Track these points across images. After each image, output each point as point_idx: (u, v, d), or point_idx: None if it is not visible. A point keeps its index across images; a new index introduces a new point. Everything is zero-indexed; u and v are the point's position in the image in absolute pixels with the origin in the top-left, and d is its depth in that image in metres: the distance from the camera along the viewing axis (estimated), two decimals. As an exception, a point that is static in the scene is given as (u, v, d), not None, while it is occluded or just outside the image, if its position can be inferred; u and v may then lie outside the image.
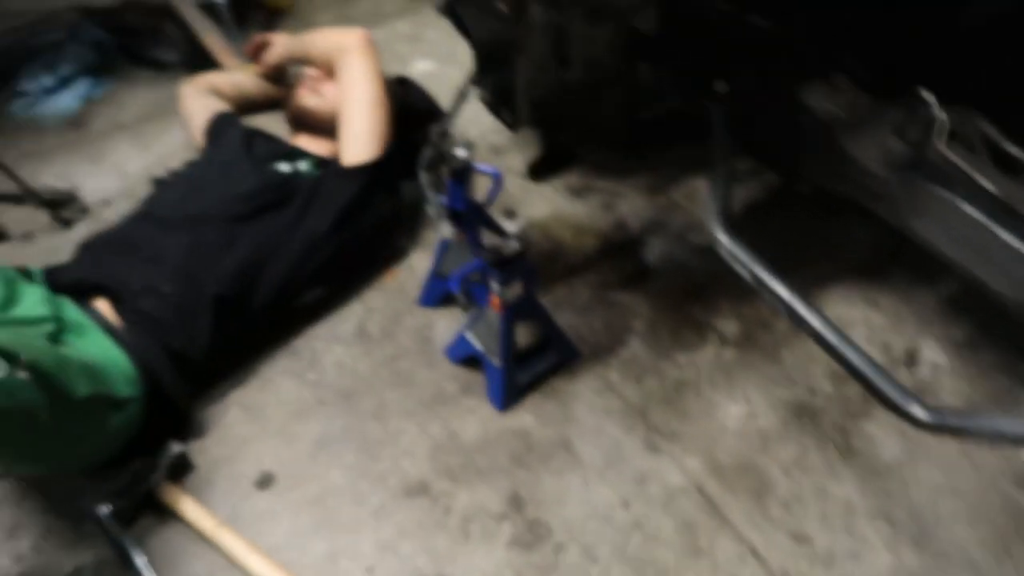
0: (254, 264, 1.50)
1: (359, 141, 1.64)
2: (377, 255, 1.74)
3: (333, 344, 1.61)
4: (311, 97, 1.77)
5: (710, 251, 1.36)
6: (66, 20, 2.33)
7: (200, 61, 2.13)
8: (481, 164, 1.42)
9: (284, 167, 1.66)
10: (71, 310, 1.36)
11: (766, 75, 1.28)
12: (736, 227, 1.34)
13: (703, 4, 1.12)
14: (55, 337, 1.26)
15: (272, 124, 2.02)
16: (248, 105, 2.06)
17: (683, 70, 1.29)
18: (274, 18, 2.44)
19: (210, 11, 2.07)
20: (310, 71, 1.81)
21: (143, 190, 1.88)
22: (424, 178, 1.43)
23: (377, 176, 1.64)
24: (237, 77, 2.03)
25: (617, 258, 1.78)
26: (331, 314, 1.66)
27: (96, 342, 1.32)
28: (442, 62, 2.30)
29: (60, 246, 1.78)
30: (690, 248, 1.80)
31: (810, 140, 1.32)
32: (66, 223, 1.83)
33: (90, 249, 1.50)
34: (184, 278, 1.43)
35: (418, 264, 1.76)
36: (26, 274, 1.45)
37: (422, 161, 1.42)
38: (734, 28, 1.16)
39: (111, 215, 1.85)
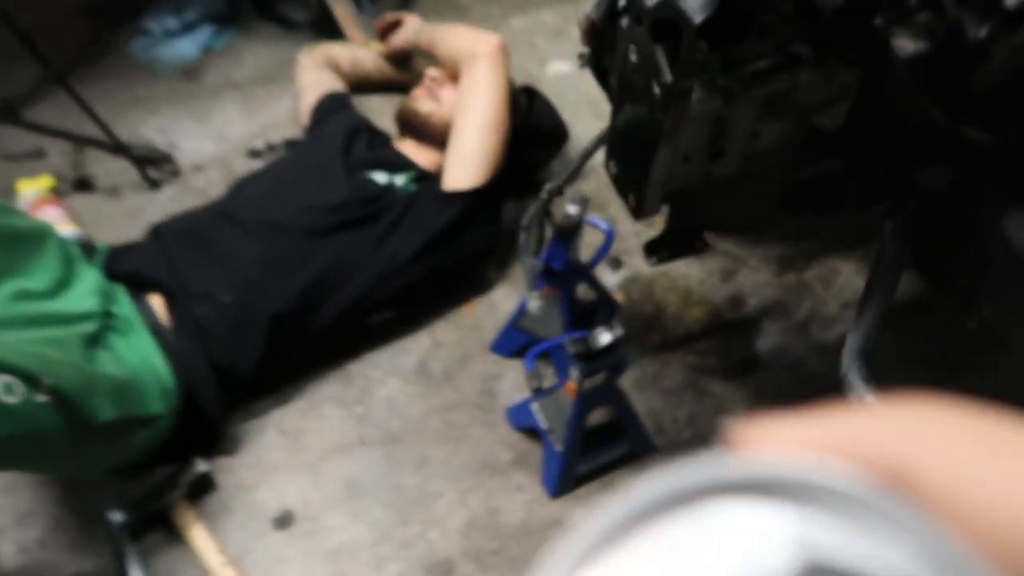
0: (324, 284, 1.37)
1: (466, 165, 1.47)
2: (459, 285, 1.58)
3: (390, 377, 1.47)
4: (427, 101, 1.61)
5: (835, 352, 1.12)
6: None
7: (327, 26, 2.00)
8: (593, 217, 1.24)
9: (380, 177, 1.51)
10: (124, 303, 1.28)
11: (965, 192, 1.01)
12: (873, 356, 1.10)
13: (909, 106, 0.87)
14: (95, 339, 1.17)
15: (385, 108, 1.88)
16: (364, 84, 1.93)
17: (862, 174, 1.05)
18: (414, -8, 2.28)
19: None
20: (432, 70, 1.64)
21: (239, 161, 1.80)
22: (523, 237, 1.24)
23: (478, 205, 1.47)
24: (359, 53, 1.90)
25: (724, 339, 1.55)
26: (394, 341, 1.51)
27: (139, 345, 1.23)
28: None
29: (143, 206, 1.72)
30: (811, 345, 1.55)
31: (1002, 276, 1.05)
32: (154, 184, 1.76)
33: (159, 237, 1.40)
34: (246, 290, 1.32)
35: (501, 301, 1.58)
36: (88, 251, 1.37)
37: (525, 218, 1.24)
38: (939, 136, 0.91)
39: (201, 182, 1.78)
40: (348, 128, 1.63)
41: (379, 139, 1.66)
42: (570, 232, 1.22)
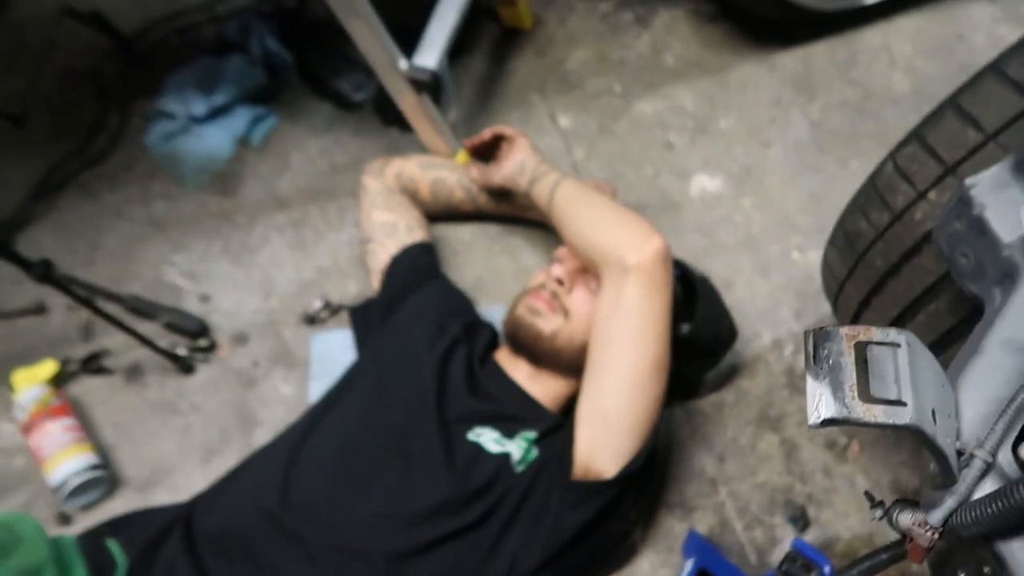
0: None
1: (609, 441, 1.02)
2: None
3: None
4: (551, 318, 1.15)
5: None
6: (236, 11, 1.74)
7: (391, 108, 1.51)
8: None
9: (490, 443, 1.07)
10: None
11: None
12: None
13: None
14: None
15: (476, 243, 1.43)
16: (450, 214, 1.46)
17: None
18: (507, 39, 1.75)
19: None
20: (557, 269, 1.17)
21: (291, 328, 1.38)
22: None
23: (624, 492, 1.04)
24: (443, 172, 1.42)
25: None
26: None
27: None
28: (737, 181, 1.56)
29: (171, 399, 1.33)
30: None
31: None
32: (187, 368, 1.35)
33: (191, 545, 1.00)
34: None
35: (649, 573, 1.18)
36: (104, 568, 0.98)
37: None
38: None
39: (244, 362, 1.36)
40: (437, 332, 1.19)
41: (481, 350, 1.21)
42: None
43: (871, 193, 0.95)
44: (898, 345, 0.52)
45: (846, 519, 1.22)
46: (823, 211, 1.49)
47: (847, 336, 0.53)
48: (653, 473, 1.17)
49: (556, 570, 1.04)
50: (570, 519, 1.01)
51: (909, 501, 0.69)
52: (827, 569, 0.96)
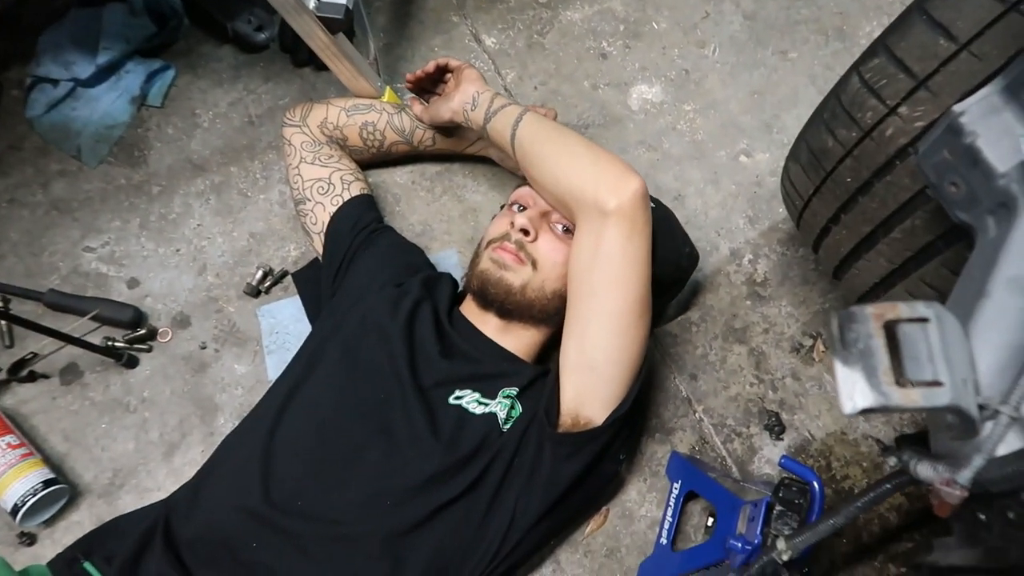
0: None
1: (596, 391, 1.00)
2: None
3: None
4: (519, 270, 1.09)
5: None
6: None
7: (303, 48, 1.37)
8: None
9: (474, 406, 1.03)
10: None
11: None
12: None
13: None
14: None
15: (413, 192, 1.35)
16: (383, 157, 1.37)
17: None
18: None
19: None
20: (522, 220, 1.10)
21: (235, 304, 1.29)
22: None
23: (617, 435, 1.03)
24: (371, 116, 1.32)
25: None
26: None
27: None
28: (676, 87, 1.49)
29: (119, 397, 1.25)
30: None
31: None
32: (129, 362, 1.26)
33: (176, 557, 0.95)
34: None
35: (639, 505, 1.20)
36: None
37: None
38: None
39: (190, 346, 1.28)
40: (397, 293, 1.13)
41: (446, 306, 1.15)
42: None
43: (836, 109, 0.91)
44: (927, 320, 0.50)
45: (818, 419, 1.26)
46: (767, 109, 1.46)
47: (875, 316, 0.50)
48: (640, 410, 1.17)
49: (553, 519, 1.04)
50: (565, 471, 1.00)
51: (914, 439, 0.69)
52: (816, 484, 0.98)
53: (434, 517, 0.97)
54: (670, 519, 1.15)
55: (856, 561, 1.16)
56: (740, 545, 0.97)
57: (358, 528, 0.94)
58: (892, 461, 0.64)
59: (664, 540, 1.14)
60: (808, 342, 1.31)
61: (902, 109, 0.83)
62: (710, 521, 1.14)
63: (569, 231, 1.10)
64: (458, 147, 1.34)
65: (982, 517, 0.60)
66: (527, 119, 1.10)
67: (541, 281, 1.09)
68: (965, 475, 0.55)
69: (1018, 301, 0.59)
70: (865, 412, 0.48)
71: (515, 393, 1.06)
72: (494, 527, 1.00)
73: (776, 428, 1.24)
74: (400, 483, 0.97)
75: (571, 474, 1.00)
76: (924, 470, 0.59)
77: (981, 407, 0.56)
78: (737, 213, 1.39)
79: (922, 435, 0.71)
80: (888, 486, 0.74)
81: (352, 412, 1.03)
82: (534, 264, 1.09)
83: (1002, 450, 0.55)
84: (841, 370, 0.49)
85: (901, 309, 0.50)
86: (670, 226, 1.18)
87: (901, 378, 0.48)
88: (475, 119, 1.17)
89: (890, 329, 0.50)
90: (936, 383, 0.48)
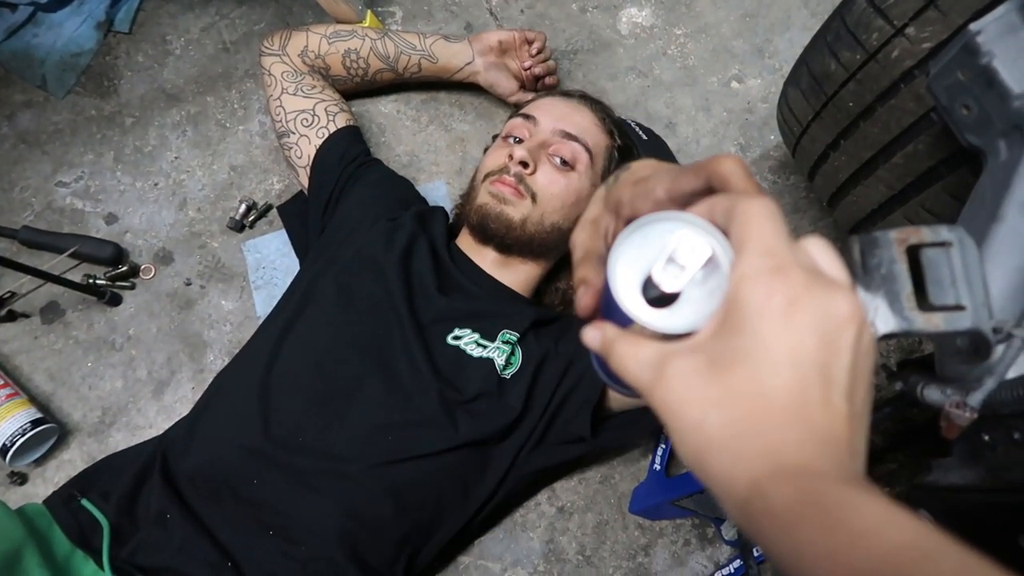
0: (419, 527, 0.98)
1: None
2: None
3: (513, 568, 1.15)
4: (518, 204, 1.07)
5: None
6: None
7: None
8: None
9: (472, 347, 1.02)
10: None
11: None
12: None
13: None
14: None
15: (402, 124, 1.31)
16: (367, 86, 1.33)
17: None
18: None
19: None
20: (520, 152, 1.06)
21: (219, 239, 1.26)
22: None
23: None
24: (353, 42, 1.27)
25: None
26: (508, 518, 1.17)
27: None
28: (666, 9, 1.44)
29: (105, 335, 1.22)
30: None
31: None
32: (112, 299, 1.23)
33: (180, 498, 0.95)
34: (330, 568, 0.93)
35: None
36: (85, 536, 0.93)
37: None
38: None
39: (174, 283, 1.25)
40: (390, 227, 1.11)
41: (442, 240, 1.13)
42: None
43: (840, 30, 0.89)
44: (950, 244, 0.50)
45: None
46: (759, 32, 1.43)
47: (898, 241, 0.49)
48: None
49: (557, 469, 1.06)
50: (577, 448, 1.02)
51: (919, 364, 0.70)
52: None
53: (434, 456, 0.97)
54: (664, 445, 1.17)
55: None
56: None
57: (360, 463, 0.94)
58: (898, 386, 0.65)
59: (658, 466, 1.16)
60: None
61: (909, 30, 0.81)
62: (702, 447, 1.16)
63: (566, 163, 1.08)
64: (444, 73, 1.30)
65: (986, 438, 0.61)
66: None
67: (540, 214, 1.07)
68: (976, 397, 0.56)
69: (1032, 224, 0.59)
70: (885, 338, 0.48)
71: (515, 339, 1.04)
72: (492, 472, 1.01)
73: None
74: (400, 418, 0.96)
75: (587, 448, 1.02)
76: (932, 394, 0.60)
77: (995, 330, 0.57)
78: (729, 140, 1.37)
79: (924, 360, 0.71)
80: (887, 410, 0.75)
81: (350, 347, 1.01)
82: (533, 197, 1.06)
83: (1012, 373, 0.56)
84: (862, 296, 0.49)
85: (924, 233, 0.49)
86: (663, 156, 1.17)
87: (925, 303, 0.48)
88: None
89: (912, 253, 0.49)
90: (959, 307, 0.48)
